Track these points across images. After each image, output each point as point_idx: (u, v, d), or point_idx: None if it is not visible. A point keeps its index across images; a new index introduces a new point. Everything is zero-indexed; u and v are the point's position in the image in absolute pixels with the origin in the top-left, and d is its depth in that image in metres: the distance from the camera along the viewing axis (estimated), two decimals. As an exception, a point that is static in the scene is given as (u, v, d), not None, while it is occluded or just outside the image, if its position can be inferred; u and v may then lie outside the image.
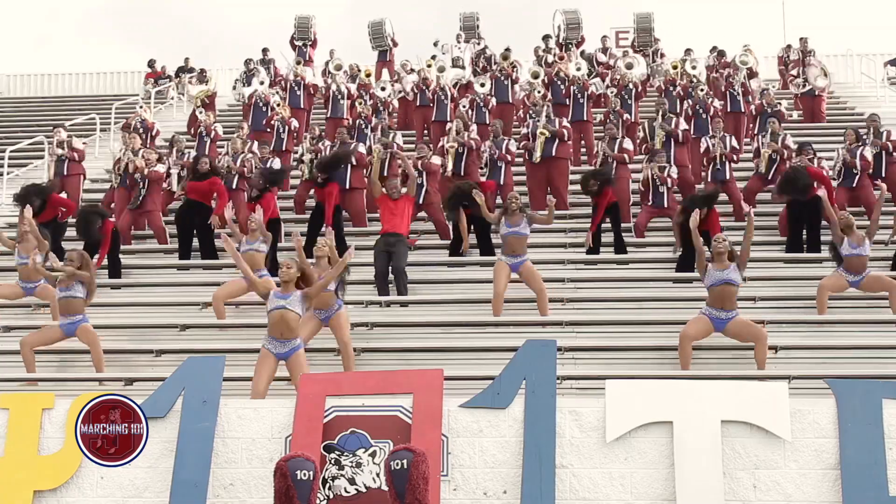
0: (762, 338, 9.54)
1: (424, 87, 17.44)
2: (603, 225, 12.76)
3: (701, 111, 15.55)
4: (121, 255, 13.02)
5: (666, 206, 13.03)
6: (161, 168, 14.03)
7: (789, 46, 21.69)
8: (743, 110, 16.52)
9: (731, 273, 9.55)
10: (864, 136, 13.93)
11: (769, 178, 13.76)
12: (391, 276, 11.76)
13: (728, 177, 13.73)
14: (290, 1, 30.51)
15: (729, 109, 16.20)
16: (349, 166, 13.77)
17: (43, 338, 10.31)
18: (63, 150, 14.98)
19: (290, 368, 8.83)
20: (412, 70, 19.35)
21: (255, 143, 15.27)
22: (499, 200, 13.71)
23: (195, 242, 13.24)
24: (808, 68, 18.69)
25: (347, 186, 13.74)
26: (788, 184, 12.51)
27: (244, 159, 14.03)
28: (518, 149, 14.31)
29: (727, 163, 13.76)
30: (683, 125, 14.94)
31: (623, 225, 13.43)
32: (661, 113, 14.99)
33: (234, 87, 21.04)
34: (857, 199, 13.28)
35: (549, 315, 10.96)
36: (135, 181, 13.82)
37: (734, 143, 14.28)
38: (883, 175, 13.65)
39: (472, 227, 12.72)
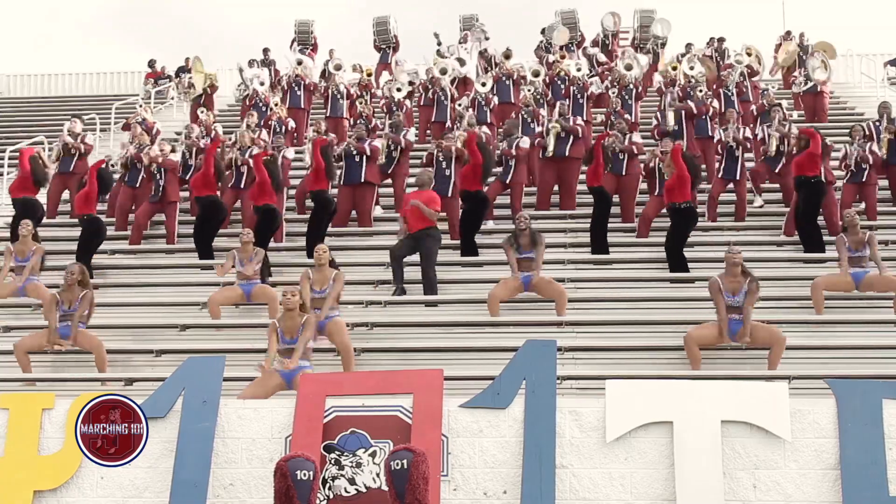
0: (781, 341, 9.55)
1: (430, 86, 17.41)
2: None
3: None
4: (119, 255, 13.02)
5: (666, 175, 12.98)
6: (175, 157, 14.02)
7: (788, 33, 21.66)
8: (738, 110, 16.50)
9: (738, 298, 9.60)
10: (877, 123, 13.94)
11: (776, 169, 13.73)
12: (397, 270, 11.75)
13: (739, 176, 13.61)
14: (293, 1, 30.58)
15: (723, 109, 16.20)
16: (364, 159, 13.73)
17: (37, 344, 10.33)
18: (74, 141, 14.95)
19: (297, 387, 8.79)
20: (399, 63, 19.37)
21: (263, 130, 15.28)
22: (504, 200, 13.77)
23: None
24: (808, 59, 18.61)
25: (363, 180, 13.72)
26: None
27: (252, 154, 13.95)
28: (531, 145, 14.26)
29: (741, 156, 13.66)
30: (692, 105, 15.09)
31: (623, 224, 13.45)
32: (668, 98, 15.02)
33: (238, 88, 21.00)
34: (863, 194, 13.29)
35: (550, 315, 10.96)
36: (151, 174, 13.82)
37: (747, 133, 14.16)
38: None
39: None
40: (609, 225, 13.08)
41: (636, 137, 14.02)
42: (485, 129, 14.64)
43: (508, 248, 11.11)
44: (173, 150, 14.25)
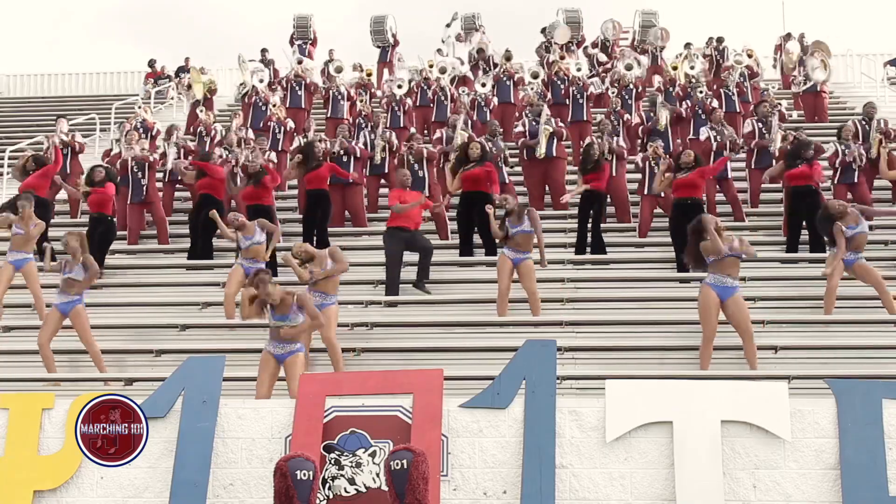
0: (749, 333, 9.55)
1: (425, 87, 17.46)
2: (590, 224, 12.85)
3: (700, 112, 15.57)
4: (119, 255, 13.00)
5: (662, 194, 13.01)
6: (155, 156, 14.14)
7: (788, 35, 21.68)
8: (738, 110, 16.52)
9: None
10: (864, 122, 13.92)
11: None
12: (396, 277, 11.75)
13: (727, 174, 13.66)
14: (301, 1, 30.50)
15: (724, 109, 16.22)
16: (351, 161, 13.81)
17: (50, 329, 10.29)
18: (66, 138, 14.99)
19: (287, 370, 8.80)
20: (401, 59, 19.43)
21: (250, 130, 15.30)
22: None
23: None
24: (807, 59, 18.59)
25: (350, 181, 13.78)
26: (795, 151, 12.57)
27: (241, 156, 13.95)
28: (517, 147, 14.31)
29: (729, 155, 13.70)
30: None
31: (623, 224, 13.47)
32: (653, 101, 15.07)
33: (238, 88, 20.99)
34: (856, 195, 13.28)
35: (549, 315, 10.96)
36: (133, 173, 13.84)
37: (734, 136, 14.22)
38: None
39: (477, 227, 12.71)
40: (608, 225, 13.09)
41: (620, 141, 14.08)
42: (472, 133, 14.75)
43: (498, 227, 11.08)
44: (159, 153, 14.33)
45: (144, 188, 13.78)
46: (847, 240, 10.60)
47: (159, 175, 14.43)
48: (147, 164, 13.85)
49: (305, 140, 14.40)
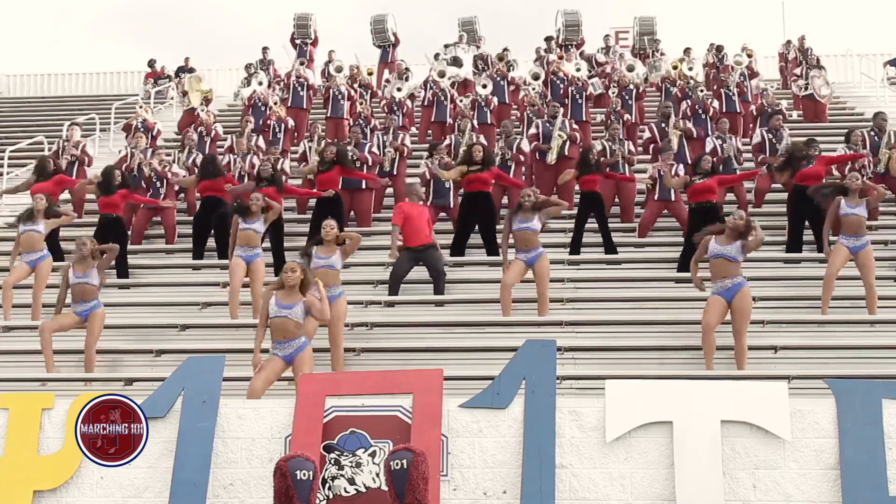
0: (742, 332, 9.55)
1: (433, 86, 17.44)
2: (588, 224, 12.87)
3: (700, 111, 15.56)
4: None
5: (672, 199, 12.99)
6: (175, 169, 14.25)
7: (789, 42, 21.71)
8: (739, 110, 16.51)
9: (730, 249, 9.59)
10: (874, 135, 13.89)
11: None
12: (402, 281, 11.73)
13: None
14: (301, 1, 30.52)
15: (724, 109, 16.21)
16: (364, 167, 13.86)
17: (61, 324, 10.29)
18: (77, 152, 15.07)
19: (295, 369, 8.73)
20: (407, 69, 19.41)
21: (260, 136, 15.30)
22: (504, 200, 13.76)
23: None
24: (811, 79, 18.64)
25: (364, 186, 13.78)
26: (788, 159, 12.54)
27: (258, 161, 13.96)
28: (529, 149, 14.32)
29: (734, 164, 13.70)
30: (689, 124, 15.06)
31: (623, 224, 13.48)
32: (666, 115, 15.02)
33: (237, 95, 20.98)
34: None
35: (550, 315, 10.95)
36: (151, 181, 13.94)
37: (739, 143, 14.22)
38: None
39: (478, 227, 12.72)
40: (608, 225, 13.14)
41: (630, 146, 14.11)
42: (407, 139, 14.78)
43: (507, 221, 11.04)
44: (175, 162, 14.43)
45: (162, 198, 13.85)
46: (842, 217, 10.65)
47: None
48: (165, 177, 14.01)
49: (336, 144, 14.32)
